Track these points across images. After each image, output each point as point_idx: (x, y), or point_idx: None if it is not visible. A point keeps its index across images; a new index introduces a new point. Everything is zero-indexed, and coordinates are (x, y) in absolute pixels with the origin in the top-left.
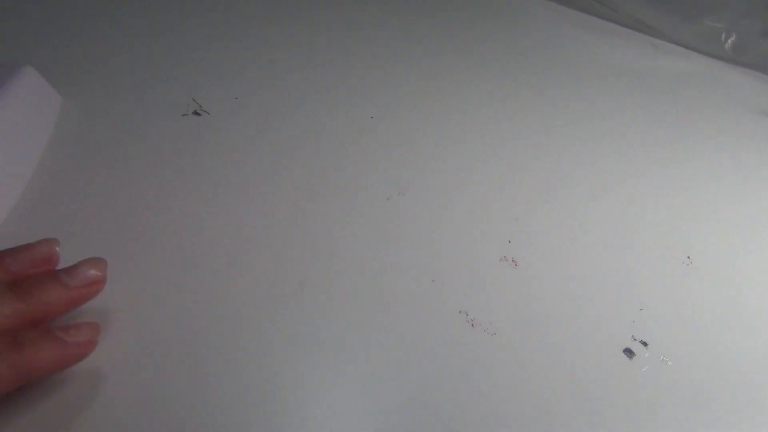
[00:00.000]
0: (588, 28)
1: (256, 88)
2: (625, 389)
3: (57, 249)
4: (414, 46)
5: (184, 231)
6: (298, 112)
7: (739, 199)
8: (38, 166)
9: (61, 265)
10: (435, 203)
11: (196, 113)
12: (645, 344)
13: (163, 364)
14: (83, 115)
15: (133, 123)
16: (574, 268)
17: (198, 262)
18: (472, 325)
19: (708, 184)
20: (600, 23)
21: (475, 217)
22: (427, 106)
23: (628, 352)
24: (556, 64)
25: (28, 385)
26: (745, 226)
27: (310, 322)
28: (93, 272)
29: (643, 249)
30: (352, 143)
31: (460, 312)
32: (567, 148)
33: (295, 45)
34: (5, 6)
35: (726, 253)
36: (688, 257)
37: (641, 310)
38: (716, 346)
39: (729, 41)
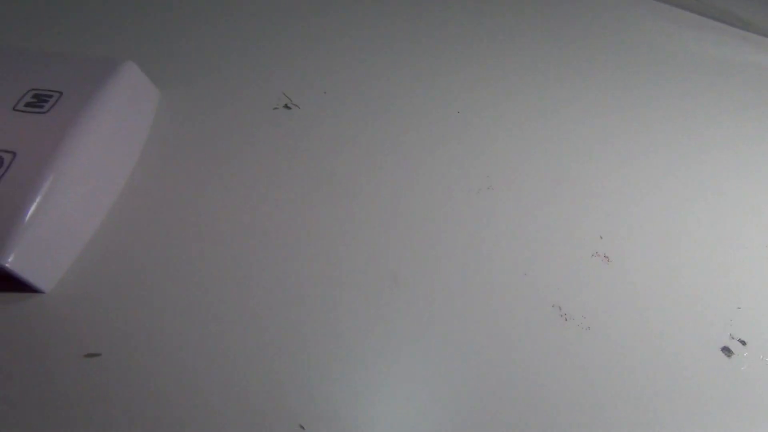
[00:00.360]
0: (680, 23)
1: (344, 83)
2: (723, 388)
3: None
4: (505, 41)
5: (275, 221)
6: (386, 106)
7: None
8: (140, 158)
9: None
10: (524, 198)
11: (286, 107)
12: (743, 343)
13: (258, 358)
14: (179, 109)
15: (227, 116)
16: (669, 264)
17: (288, 253)
18: (566, 319)
19: None
20: (691, 17)
21: (565, 212)
22: (518, 100)
23: (726, 351)
24: (649, 59)
25: None
26: None
27: (403, 315)
28: None
29: (741, 246)
30: (440, 138)
31: (553, 306)
32: (661, 145)
33: (383, 40)
34: (106, 3)
35: None
36: None
37: (739, 308)
38: None
39: None
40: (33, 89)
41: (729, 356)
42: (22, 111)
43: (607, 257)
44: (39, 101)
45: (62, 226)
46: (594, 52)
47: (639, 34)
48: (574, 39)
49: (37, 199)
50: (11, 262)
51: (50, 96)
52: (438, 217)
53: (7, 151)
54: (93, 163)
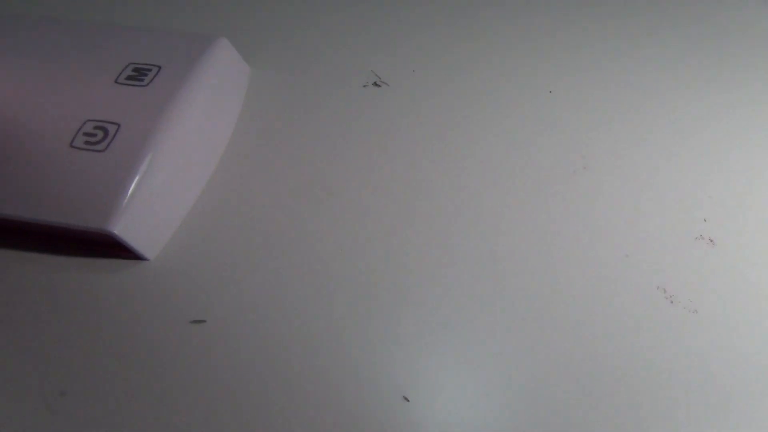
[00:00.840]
0: None
1: (433, 62)
2: None
3: None
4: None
5: (367, 197)
6: (476, 86)
7: None
8: (233, 133)
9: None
10: (622, 178)
11: (375, 84)
12: None
13: (363, 328)
14: (269, 85)
15: (316, 93)
16: None
17: (384, 227)
18: (672, 302)
19: None
20: None
21: (667, 194)
22: (615, 78)
23: None
24: (761, 37)
25: None
26: None
27: (500, 296)
28: None
29: None
30: (533, 117)
31: (657, 288)
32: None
33: (473, 19)
34: None
35: None
36: None
37: None
38: None
39: None
40: (132, 63)
41: None
42: (124, 84)
43: (712, 240)
44: (139, 75)
45: (164, 196)
46: (702, 29)
47: (732, 20)
48: (682, 17)
49: (142, 169)
50: (119, 230)
51: (149, 70)
52: (534, 199)
53: (112, 123)
54: (192, 136)
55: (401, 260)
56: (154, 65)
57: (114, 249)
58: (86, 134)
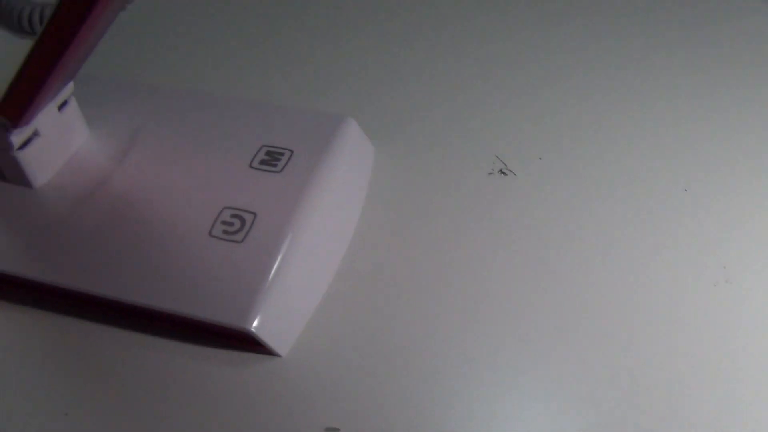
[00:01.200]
0: None
1: (560, 148)
2: None
3: None
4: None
5: (497, 287)
6: (606, 180)
7: None
8: (361, 216)
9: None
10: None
11: (501, 172)
12: None
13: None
14: (393, 167)
15: (442, 177)
16: None
17: (512, 320)
18: None
19: None
20: None
21: None
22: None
23: None
24: None
25: None
26: None
27: (638, 424)
28: None
29: None
30: (667, 217)
31: None
32: None
33: (600, 106)
34: (317, 55)
35: None
36: None
37: None
38: None
39: None
40: (265, 146)
41: None
42: (258, 169)
43: None
44: (272, 159)
45: (299, 288)
46: None
47: None
48: None
49: (278, 262)
50: (256, 327)
51: (282, 154)
52: (670, 311)
53: (248, 212)
54: (325, 224)
55: (523, 362)
56: (286, 149)
57: (246, 343)
58: (224, 223)
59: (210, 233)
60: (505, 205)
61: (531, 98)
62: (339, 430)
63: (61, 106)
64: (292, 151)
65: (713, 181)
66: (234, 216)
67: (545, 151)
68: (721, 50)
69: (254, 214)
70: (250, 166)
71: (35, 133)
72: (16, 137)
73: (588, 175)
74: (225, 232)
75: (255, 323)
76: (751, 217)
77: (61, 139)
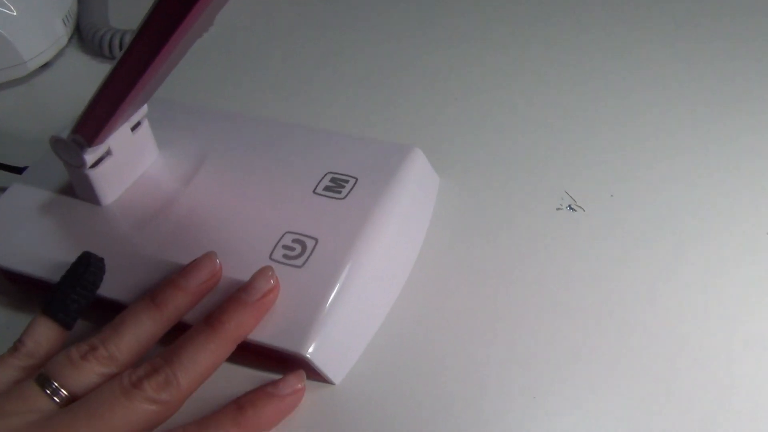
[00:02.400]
0: None
1: (633, 187)
2: None
3: (218, 261)
4: None
5: (556, 329)
6: (679, 220)
7: None
8: (422, 247)
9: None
10: None
11: (570, 208)
12: None
13: None
14: (458, 198)
15: (507, 211)
16: None
17: (565, 361)
18: None
19: None
20: None
21: None
22: None
23: None
24: None
25: None
26: None
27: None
28: (265, 284)
29: None
30: (750, 260)
31: None
32: None
33: (675, 141)
34: (395, 90)
35: None
36: None
37: None
38: None
39: None
40: (330, 172)
41: None
42: (322, 195)
43: None
44: (337, 186)
45: (357, 318)
46: None
47: None
48: None
49: (337, 288)
50: (311, 353)
51: (346, 181)
52: (752, 361)
53: (310, 237)
54: (386, 252)
55: (596, 396)
56: (351, 176)
57: (300, 369)
58: (285, 247)
59: (270, 257)
60: (572, 241)
61: (604, 134)
62: None
63: (134, 128)
64: (356, 179)
65: None
66: (295, 241)
67: (617, 189)
68: None
69: (315, 239)
70: (314, 192)
71: (108, 153)
72: (90, 155)
73: (661, 214)
74: (285, 256)
75: (310, 349)
76: None
77: (131, 159)
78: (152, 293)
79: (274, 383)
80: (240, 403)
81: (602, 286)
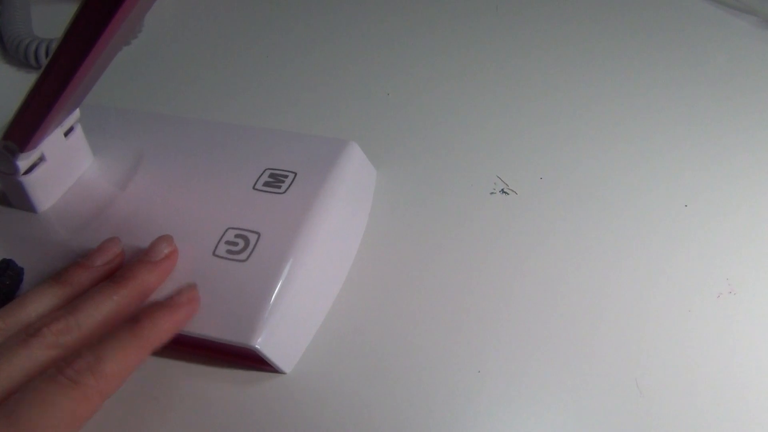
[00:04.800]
0: None
1: (560, 168)
2: None
3: (121, 245)
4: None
5: (496, 312)
6: (607, 198)
7: None
8: (363, 238)
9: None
10: None
11: (503, 192)
12: None
13: None
14: (394, 189)
15: (443, 197)
16: None
17: (507, 345)
18: None
19: None
20: None
21: None
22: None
23: None
24: None
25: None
26: None
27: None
28: (166, 247)
29: None
30: (669, 235)
31: None
32: None
33: (601, 125)
34: (328, 86)
35: None
36: None
37: None
38: None
39: None
40: (269, 168)
41: None
42: (262, 190)
43: None
44: (276, 181)
45: (302, 306)
46: None
47: None
48: None
49: (282, 280)
50: (260, 344)
51: (285, 176)
52: (681, 320)
53: (252, 231)
54: (328, 243)
55: (536, 380)
56: (290, 171)
57: (250, 361)
58: (228, 243)
59: (214, 253)
60: (507, 224)
61: (531, 119)
62: None
63: (67, 133)
64: (295, 174)
65: (712, 196)
66: (238, 236)
67: (546, 171)
68: (721, 69)
69: (258, 233)
70: (254, 188)
71: (41, 159)
72: (23, 162)
73: (589, 193)
74: (229, 251)
75: (259, 340)
76: (752, 230)
77: (65, 165)
78: (57, 273)
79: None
80: (136, 316)
81: (537, 263)
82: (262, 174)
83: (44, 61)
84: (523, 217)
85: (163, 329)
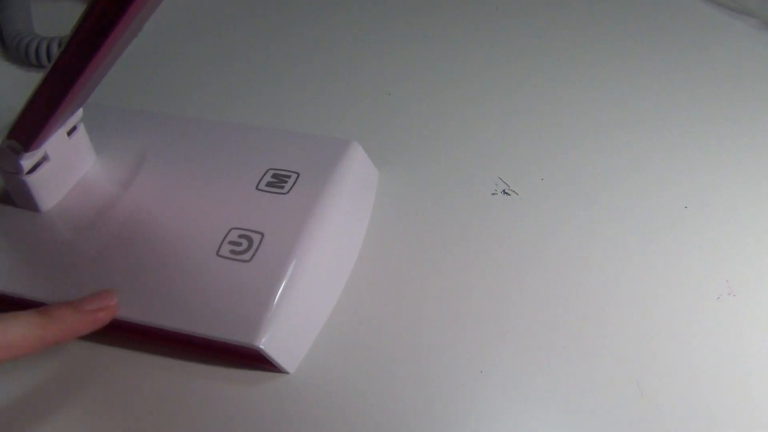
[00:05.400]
0: None
1: (561, 169)
2: None
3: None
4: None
5: (498, 310)
6: (608, 201)
7: None
8: (365, 239)
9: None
10: None
11: (504, 193)
12: None
13: None
14: (397, 190)
15: (444, 198)
16: None
17: (508, 343)
18: None
19: None
20: None
21: None
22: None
23: None
24: None
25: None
26: None
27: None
28: (105, 301)
29: None
30: (668, 236)
31: None
32: None
33: (602, 129)
34: (331, 86)
35: None
36: None
37: None
38: None
39: None
40: (272, 169)
41: None
42: (265, 191)
43: None
44: (279, 182)
45: (306, 305)
46: None
47: None
48: None
49: (285, 280)
50: (264, 343)
51: (288, 176)
52: (682, 321)
53: (256, 232)
54: (331, 243)
55: (538, 381)
56: (292, 172)
57: (254, 361)
58: (232, 243)
59: (217, 253)
60: (508, 225)
61: (533, 120)
62: None
63: (71, 132)
64: (298, 174)
65: (712, 198)
66: (241, 236)
67: (547, 173)
68: (722, 72)
69: (261, 234)
70: (257, 188)
71: (44, 158)
72: (26, 161)
73: (590, 194)
74: (233, 252)
75: (263, 340)
76: (751, 232)
77: (69, 164)
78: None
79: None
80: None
81: (539, 264)
82: (265, 174)
83: (45, 60)
84: (524, 218)
85: (68, 326)
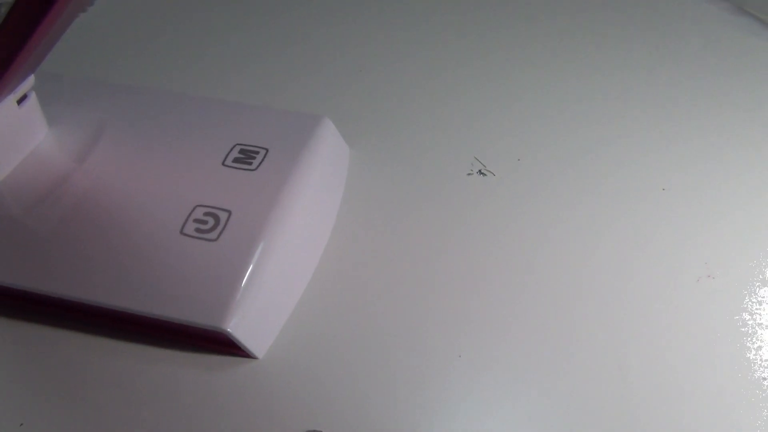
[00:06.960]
0: None
1: (538, 150)
2: None
3: None
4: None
5: (472, 291)
6: (584, 180)
7: None
8: (337, 218)
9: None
10: (751, 291)
11: (480, 173)
12: None
13: None
14: (369, 168)
15: (419, 177)
16: None
17: (481, 325)
18: None
19: None
20: None
21: None
22: (738, 172)
23: None
24: None
25: None
26: None
27: (628, 417)
28: None
29: None
30: (646, 217)
31: None
32: None
33: (578, 108)
34: (302, 60)
35: None
36: None
37: None
38: None
39: None
40: (239, 144)
41: None
42: (232, 167)
43: None
44: (247, 158)
45: (275, 288)
46: None
47: None
48: None
49: (254, 260)
50: (232, 327)
51: (257, 152)
52: (657, 306)
53: (223, 209)
54: (301, 223)
55: (518, 364)
56: (261, 147)
57: (221, 345)
58: (197, 221)
59: (182, 231)
60: (484, 206)
61: (510, 100)
62: None
63: (20, 101)
64: (267, 150)
65: (690, 180)
66: (207, 214)
67: (524, 153)
68: (695, 53)
69: (228, 212)
70: (223, 164)
71: None
72: None
73: (566, 175)
74: (198, 230)
75: (231, 323)
76: (729, 214)
77: (18, 136)
78: None
79: None
80: None
81: (515, 245)
82: (231, 149)
83: None
84: (500, 199)
85: None
